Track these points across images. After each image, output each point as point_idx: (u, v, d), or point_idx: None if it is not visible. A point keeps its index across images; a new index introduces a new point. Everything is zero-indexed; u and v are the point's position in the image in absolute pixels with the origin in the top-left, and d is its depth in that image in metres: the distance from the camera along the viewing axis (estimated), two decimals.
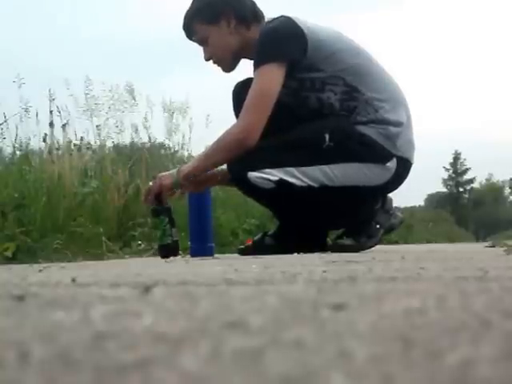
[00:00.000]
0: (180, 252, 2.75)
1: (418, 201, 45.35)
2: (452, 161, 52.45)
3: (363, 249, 2.81)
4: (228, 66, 2.86)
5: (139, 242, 3.62)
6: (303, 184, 2.66)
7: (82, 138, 5.18)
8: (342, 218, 2.89)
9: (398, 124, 2.75)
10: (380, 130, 2.72)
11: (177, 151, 6.20)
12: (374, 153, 2.71)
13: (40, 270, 1.65)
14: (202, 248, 2.70)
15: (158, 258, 2.67)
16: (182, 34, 2.87)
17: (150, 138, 5.98)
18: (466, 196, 52.89)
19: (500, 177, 59.68)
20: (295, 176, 2.66)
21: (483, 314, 0.56)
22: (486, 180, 56.35)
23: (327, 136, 2.66)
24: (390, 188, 2.89)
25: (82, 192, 3.89)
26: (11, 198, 3.18)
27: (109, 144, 5.61)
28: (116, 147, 5.85)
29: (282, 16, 2.74)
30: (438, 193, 53.29)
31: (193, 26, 2.82)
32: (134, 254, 3.35)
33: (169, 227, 2.68)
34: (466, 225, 35.36)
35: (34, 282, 1.12)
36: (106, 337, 0.47)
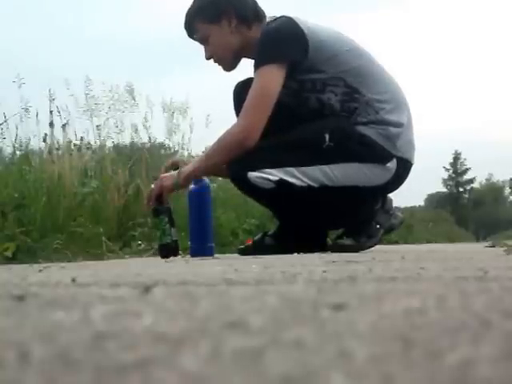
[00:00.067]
0: (180, 252, 2.75)
1: (418, 201, 45.41)
2: (452, 161, 52.48)
3: (363, 249, 2.81)
4: (229, 65, 2.86)
5: (139, 242, 3.62)
6: (303, 184, 2.66)
7: (82, 138, 5.18)
8: (342, 218, 2.89)
9: (398, 125, 2.75)
10: (380, 130, 2.72)
11: (177, 151, 6.20)
12: (374, 153, 2.71)
13: (40, 270, 1.65)
14: (201, 248, 2.70)
15: (158, 258, 2.67)
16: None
17: (150, 138, 5.98)
18: (466, 196, 52.90)
19: (500, 177, 59.77)
20: (295, 176, 2.66)
21: (483, 313, 0.56)
22: (486, 180, 56.41)
23: (327, 136, 2.66)
24: (390, 188, 2.89)
25: (81, 192, 3.89)
26: (11, 198, 3.18)
27: (109, 144, 5.61)
28: (116, 147, 5.85)
29: (283, 16, 2.74)
30: (437, 193, 53.30)
31: (194, 24, 2.83)
32: (134, 253, 3.35)
33: (168, 227, 2.68)
34: (466, 225, 35.35)
35: (33, 282, 1.12)
36: (106, 337, 0.47)
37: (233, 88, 2.97)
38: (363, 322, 0.52)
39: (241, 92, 2.80)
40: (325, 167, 2.68)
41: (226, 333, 0.48)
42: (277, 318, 0.56)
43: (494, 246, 3.69)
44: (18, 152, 4.54)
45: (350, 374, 0.34)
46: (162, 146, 6.64)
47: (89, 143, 5.33)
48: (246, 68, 2.86)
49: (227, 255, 3.01)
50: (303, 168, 2.67)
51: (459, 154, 51.94)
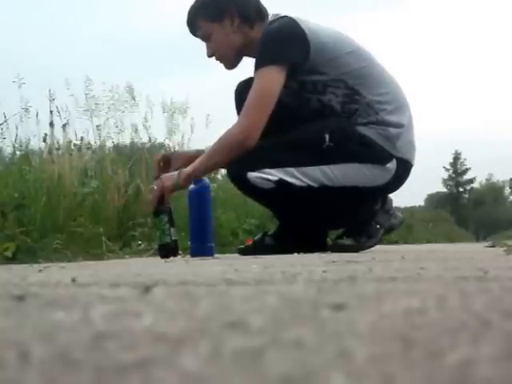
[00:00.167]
0: (180, 252, 2.75)
1: (418, 201, 45.41)
2: (452, 161, 52.49)
3: (363, 249, 2.81)
4: (230, 63, 2.86)
5: (139, 242, 3.61)
6: (303, 184, 2.66)
7: (82, 138, 5.17)
8: (342, 218, 2.89)
9: (398, 125, 2.75)
10: (380, 130, 2.72)
11: (177, 151, 6.19)
12: (374, 154, 2.71)
13: (40, 270, 1.65)
14: (201, 248, 2.70)
15: (158, 258, 2.67)
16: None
17: (150, 138, 5.98)
18: (466, 196, 52.91)
19: (500, 177, 59.80)
20: (295, 176, 2.66)
21: (483, 313, 0.56)
22: (486, 180, 56.43)
23: (327, 136, 2.66)
24: (391, 189, 2.89)
25: (81, 192, 3.89)
26: (11, 198, 3.18)
27: (109, 144, 5.60)
28: (116, 147, 5.84)
29: (285, 16, 2.74)
30: (437, 193, 53.31)
31: (196, 22, 2.83)
32: (134, 254, 3.35)
33: (168, 226, 2.68)
34: (466, 225, 35.36)
35: (34, 282, 1.12)
36: (106, 337, 0.47)
37: (233, 88, 2.97)
38: (363, 322, 0.52)
39: (242, 92, 2.80)
40: (325, 167, 2.68)
41: (225, 333, 0.48)
42: (277, 317, 0.56)
43: (494, 246, 3.69)
44: (17, 152, 4.54)
45: (350, 373, 0.34)
46: (162, 146, 6.64)
47: (89, 143, 5.33)
48: (247, 67, 2.87)
49: (227, 255, 3.01)
50: (303, 168, 2.67)
51: (459, 154, 52.00)
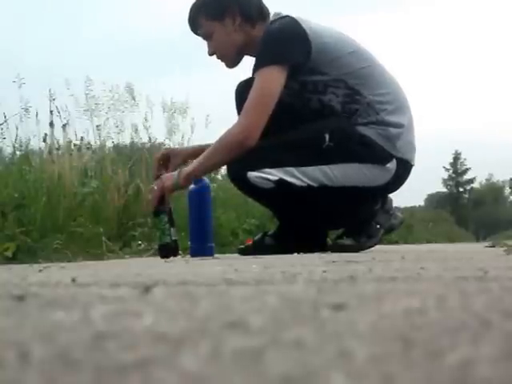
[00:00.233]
0: (180, 252, 2.75)
1: (418, 201, 45.41)
2: (452, 161, 52.49)
3: (363, 249, 2.81)
4: (231, 61, 2.86)
5: (139, 242, 3.61)
6: (303, 184, 2.66)
7: (82, 138, 5.17)
8: (342, 218, 2.89)
9: (398, 125, 2.75)
10: (379, 130, 2.72)
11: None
12: (374, 154, 2.71)
13: (40, 270, 1.65)
14: (201, 248, 2.70)
15: (158, 258, 2.67)
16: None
17: (149, 138, 5.98)
18: (466, 196, 52.91)
19: (500, 177, 59.76)
20: (295, 176, 2.66)
21: (483, 313, 0.56)
22: (486, 180, 56.43)
23: (327, 136, 2.66)
24: (391, 189, 2.89)
25: (81, 192, 3.89)
26: (11, 198, 3.18)
27: (109, 144, 5.60)
28: (116, 147, 5.84)
29: (287, 16, 2.74)
30: (437, 193, 53.32)
31: (198, 20, 2.83)
32: (134, 254, 3.35)
33: (168, 226, 2.68)
34: (466, 225, 35.37)
35: (34, 282, 1.12)
36: (106, 337, 0.47)
37: (233, 88, 2.97)
38: (363, 321, 0.52)
39: (243, 91, 2.80)
40: (324, 167, 2.68)
41: (225, 333, 0.48)
42: (277, 317, 0.56)
43: (494, 246, 3.69)
44: (17, 152, 4.54)
45: (350, 373, 0.34)
46: (162, 146, 6.64)
47: (89, 143, 5.32)
48: (248, 67, 2.86)
49: (227, 255, 3.01)
50: (303, 168, 2.67)
51: (459, 154, 52.00)
